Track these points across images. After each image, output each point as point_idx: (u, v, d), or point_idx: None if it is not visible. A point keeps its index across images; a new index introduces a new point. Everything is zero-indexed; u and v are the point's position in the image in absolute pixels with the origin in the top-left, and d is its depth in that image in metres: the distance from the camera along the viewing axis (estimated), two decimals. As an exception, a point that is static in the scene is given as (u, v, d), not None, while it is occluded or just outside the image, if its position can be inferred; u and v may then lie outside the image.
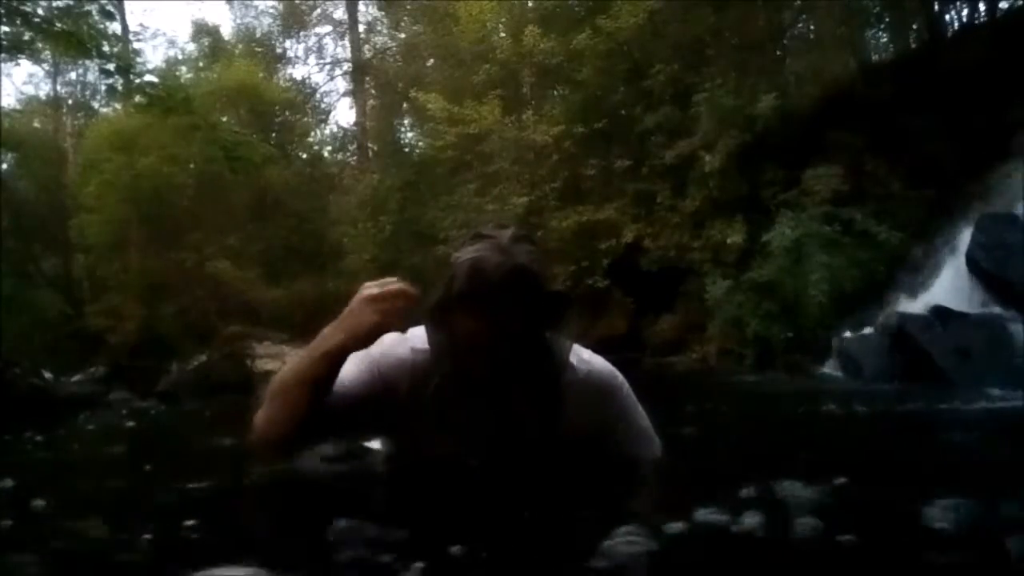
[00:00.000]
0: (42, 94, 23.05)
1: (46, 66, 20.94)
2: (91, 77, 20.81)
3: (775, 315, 7.87)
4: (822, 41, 11.98)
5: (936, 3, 10.21)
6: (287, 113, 19.78)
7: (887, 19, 11.90)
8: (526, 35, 12.94)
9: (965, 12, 10.38)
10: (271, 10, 21.53)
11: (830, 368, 6.84)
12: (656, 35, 11.54)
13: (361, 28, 20.53)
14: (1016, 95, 7.05)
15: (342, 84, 21.12)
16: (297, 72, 22.43)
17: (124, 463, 2.63)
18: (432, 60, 17.74)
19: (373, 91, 20.40)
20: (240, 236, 16.61)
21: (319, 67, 21.66)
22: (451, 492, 1.33)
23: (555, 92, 14.47)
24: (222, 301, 15.58)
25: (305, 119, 20.61)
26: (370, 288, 1.32)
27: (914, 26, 11.12)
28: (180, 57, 21.30)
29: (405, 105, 18.78)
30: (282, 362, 12.97)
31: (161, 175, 15.92)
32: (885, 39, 12.86)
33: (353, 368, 1.38)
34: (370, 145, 19.63)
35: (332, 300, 15.57)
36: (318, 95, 21.29)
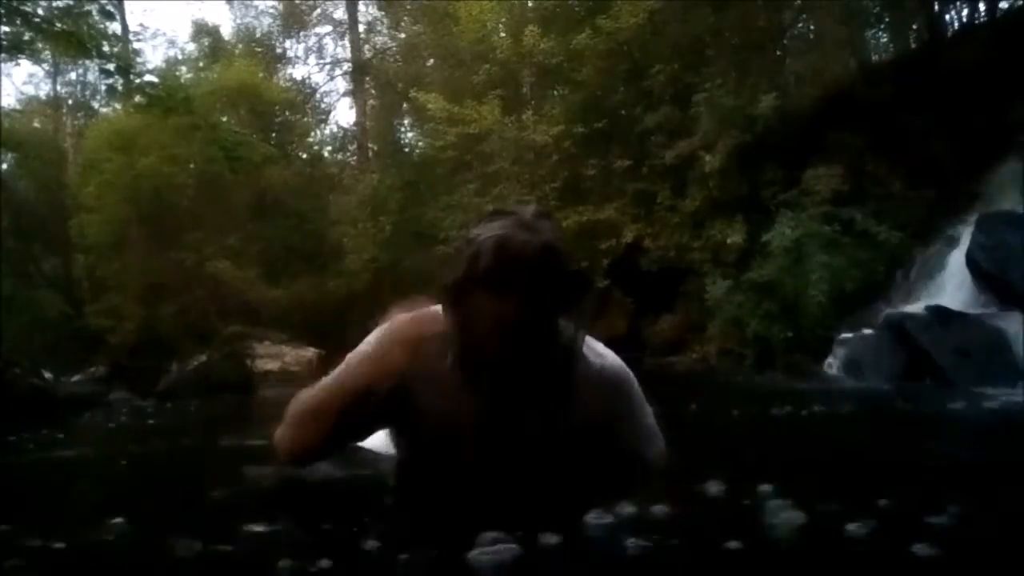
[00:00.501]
0: (42, 94, 23.05)
1: (46, 66, 20.94)
2: (91, 77, 20.79)
3: (775, 315, 7.87)
4: (822, 41, 11.99)
5: (936, 3, 10.21)
6: (287, 113, 19.75)
7: (887, 19, 11.90)
8: (526, 35, 12.95)
9: (965, 12, 10.38)
10: (271, 10, 21.51)
11: (830, 368, 6.84)
12: (656, 35, 11.54)
13: (361, 28, 20.51)
14: (1016, 95, 7.05)
15: (342, 84, 21.10)
16: (297, 72, 22.35)
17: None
18: (432, 60, 17.74)
19: (373, 91, 20.38)
20: (240, 236, 16.58)
21: (319, 67, 21.57)
22: (457, 486, 1.31)
23: (555, 92, 14.46)
24: (222, 301, 15.57)
25: (305, 119, 20.58)
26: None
27: (914, 26, 11.13)
28: (180, 57, 21.29)
29: (405, 105, 18.77)
30: (282, 362, 12.97)
31: (161, 175, 15.89)
32: (885, 39, 12.87)
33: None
34: (370, 145, 19.62)
35: (332, 300, 15.63)
36: (318, 95, 21.27)
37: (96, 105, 22.46)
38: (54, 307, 17.99)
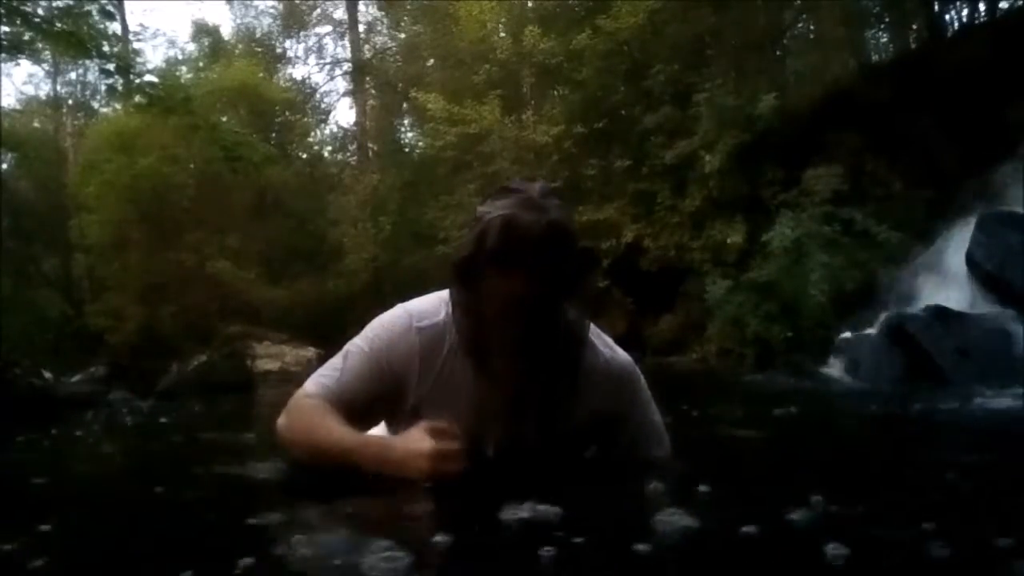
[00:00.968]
0: (42, 94, 23.05)
1: (46, 66, 20.94)
2: (91, 77, 20.79)
3: (775, 315, 7.87)
4: (822, 41, 12.00)
5: (936, 3, 10.22)
6: (287, 113, 19.75)
7: (887, 19, 11.91)
8: (526, 35, 12.96)
9: (965, 12, 10.39)
10: (271, 10, 21.55)
11: (830, 368, 6.84)
12: (656, 35, 11.54)
13: (361, 28, 20.53)
14: (1016, 95, 7.05)
15: (342, 84, 21.11)
16: (297, 72, 22.43)
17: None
18: (432, 60, 17.74)
19: (373, 91, 20.39)
20: (240, 236, 16.58)
21: (319, 67, 21.62)
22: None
23: (555, 92, 14.47)
24: (222, 301, 15.57)
25: (305, 119, 20.58)
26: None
27: (914, 26, 11.13)
28: (180, 57, 21.29)
29: (405, 105, 18.78)
30: (282, 362, 12.96)
31: (161, 175, 15.90)
32: (885, 39, 12.88)
33: (363, 368, 1.38)
34: (370, 145, 19.63)
35: (332, 300, 15.63)
36: (318, 95, 21.28)
37: (96, 105, 22.51)
38: (54, 307, 18.03)
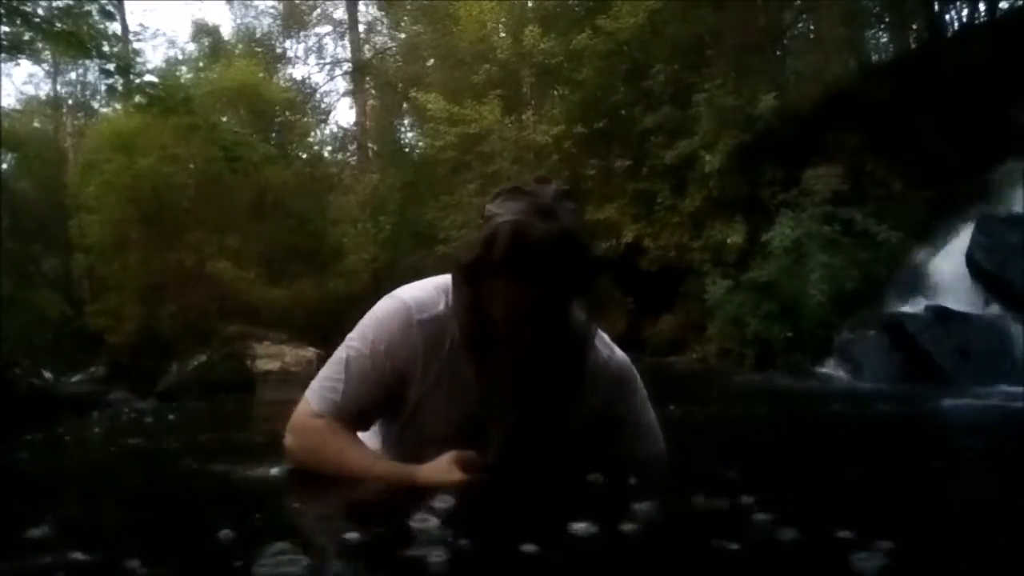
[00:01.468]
0: (42, 94, 23.05)
1: (46, 66, 20.95)
2: (91, 77, 20.80)
3: (775, 315, 7.86)
4: (822, 41, 11.98)
5: (936, 3, 10.22)
6: (287, 113, 19.74)
7: (887, 19, 11.91)
8: (526, 35, 12.96)
9: (965, 12, 10.39)
10: (271, 10, 21.54)
11: (830, 368, 6.84)
12: (656, 35, 11.53)
13: (361, 28, 20.52)
14: (1016, 95, 7.05)
15: (342, 84, 21.10)
16: (297, 72, 22.35)
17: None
18: (432, 60, 17.74)
19: (373, 91, 20.38)
20: (240, 236, 16.58)
21: (319, 67, 21.58)
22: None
23: (555, 92, 14.47)
24: (222, 301, 15.56)
25: (305, 119, 20.58)
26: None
27: (914, 26, 11.13)
28: (180, 57, 21.26)
29: (405, 105, 18.79)
30: (282, 362, 12.94)
31: (161, 175, 15.90)
32: (885, 39, 12.89)
33: (367, 375, 1.35)
34: (370, 145, 19.62)
35: (332, 300, 15.62)
36: (318, 95, 21.27)
37: (96, 105, 22.52)
38: (54, 307, 18.03)
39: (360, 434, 1.44)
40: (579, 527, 0.92)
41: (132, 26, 18.83)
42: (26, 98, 22.66)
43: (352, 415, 1.36)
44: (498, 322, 1.22)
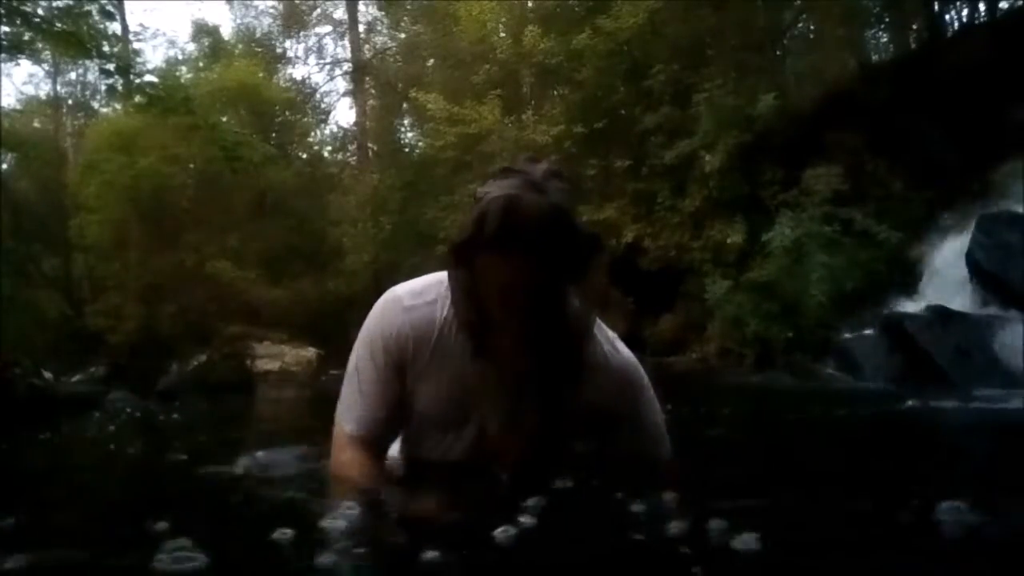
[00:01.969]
0: (42, 94, 22.99)
1: (46, 66, 20.91)
2: (91, 77, 20.76)
3: (775, 315, 7.87)
4: (822, 41, 11.99)
5: (936, 3, 10.22)
6: (287, 113, 19.75)
7: (887, 19, 11.91)
8: (526, 35, 12.96)
9: (965, 12, 10.40)
10: (271, 10, 21.51)
11: (830, 368, 6.84)
12: (656, 35, 11.54)
13: (361, 28, 20.51)
14: (1016, 95, 7.05)
15: (342, 84, 21.09)
16: (297, 72, 22.37)
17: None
18: (432, 60, 17.74)
19: (373, 91, 20.38)
20: (240, 236, 16.58)
21: (319, 67, 21.57)
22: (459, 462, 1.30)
23: (555, 92, 14.47)
24: (222, 301, 15.56)
25: (305, 119, 20.59)
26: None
27: (914, 26, 11.14)
28: (180, 57, 21.26)
29: (405, 105, 18.77)
30: (282, 362, 12.93)
31: (161, 175, 15.91)
32: (885, 39, 12.88)
33: (376, 374, 1.36)
34: (370, 145, 19.62)
35: (332, 300, 15.63)
36: (318, 95, 21.27)
37: (96, 105, 22.48)
38: (54, 307, 17.99)
39: None
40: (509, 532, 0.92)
41: (132, 26, 18.86)
42: (26, 98, 22.65)
43: (380, 420, 1.37)
44: (493, 299, 1.22)
